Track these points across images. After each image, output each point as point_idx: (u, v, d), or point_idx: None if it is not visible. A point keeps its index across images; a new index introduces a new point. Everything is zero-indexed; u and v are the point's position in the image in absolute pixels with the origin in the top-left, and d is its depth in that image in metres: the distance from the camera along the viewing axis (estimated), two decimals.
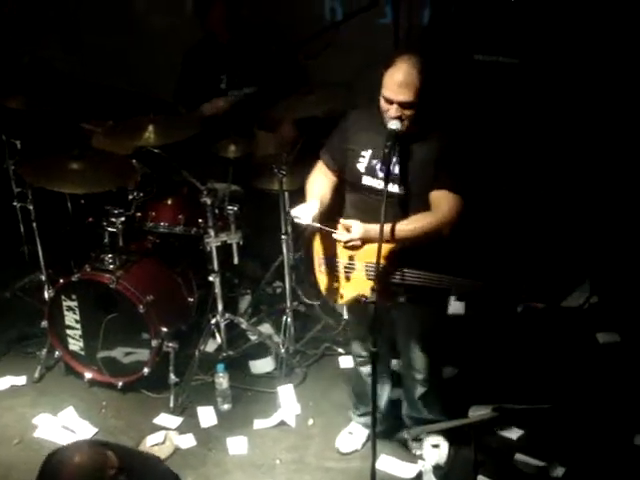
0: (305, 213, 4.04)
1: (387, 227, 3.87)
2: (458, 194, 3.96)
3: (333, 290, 4.30)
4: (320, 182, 4.27)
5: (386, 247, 3.94)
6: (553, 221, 5.72)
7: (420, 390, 4.54)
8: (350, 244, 3.98)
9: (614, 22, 5.29)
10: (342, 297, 4.23)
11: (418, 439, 4.72)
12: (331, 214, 4.15)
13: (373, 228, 3.85)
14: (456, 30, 5.63)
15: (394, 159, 3.96)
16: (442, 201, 3.96)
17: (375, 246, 3.78)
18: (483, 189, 4.33)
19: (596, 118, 5.49)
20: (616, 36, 5.31)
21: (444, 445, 4.69)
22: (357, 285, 4.12)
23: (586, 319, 5.58)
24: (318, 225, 4.07)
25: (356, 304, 4.22)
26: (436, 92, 3.93)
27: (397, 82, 3.84)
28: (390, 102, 3.89)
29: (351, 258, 4.13)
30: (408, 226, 3.96)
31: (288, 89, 5.39)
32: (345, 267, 4.20)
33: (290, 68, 5.79)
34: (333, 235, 4.03)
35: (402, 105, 3.87)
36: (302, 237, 5.56)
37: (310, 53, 5.66)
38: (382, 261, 3.92)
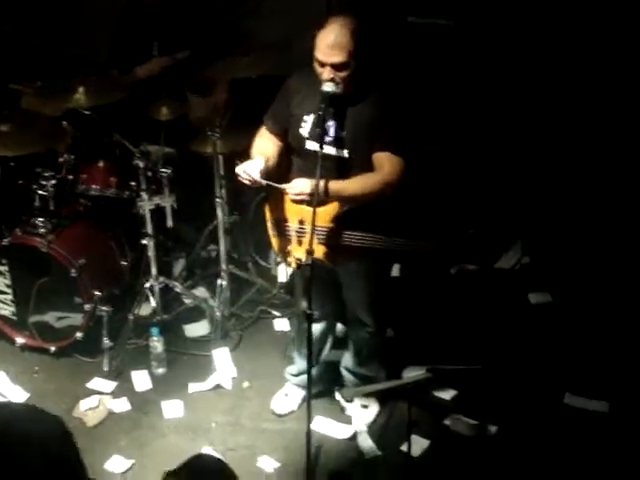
0: (251, 169, 4.01)
1: (336, 184, 3.93)
2: (400, 155, 3.98)
3: (286, 253, 4.30)
4: (264, 143, 4.25)
5: (331, 210, 4.02)
6: (486, 181, 5.76)
7: (363, 344, 4.58)
8: (299, 198, 3.96)
9: None
10: (295, 260, 4.22)
11: (351, 400, 4.75)
12: (278, 178, 4.13)
13: (320, 183, 3.86)
14: None
15: (332, 122, 3.97)
16: (385, 162, 3.98)
17: (324, 209, 3.89)
18: (420, 148, 4.35)
19: (523, 77, 5.55)
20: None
21: (374, 406, 4.75)
22: (306, 247, 4.11)
23: (518, 280, 5.66)
24: (265, 182, 4.04)
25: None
26: (371, 53, 3.92)
27: (328, 44, 3.83)
28: (323, 64, 3.88)
29: (301, 222, 4.13)
30: (352, 185, 3.98)
31: (222, 51, 5.33)
32: (296, 231, 4.20)
33: (224, 29, 5.72)
34: (284, 188, 4.01)
35: (335, 67, 3.86)
36: (241, 201, 5.56)
37: (243, 14, 5.59)
38: (328, 224, 4.03)
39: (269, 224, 4.37)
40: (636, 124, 5.54)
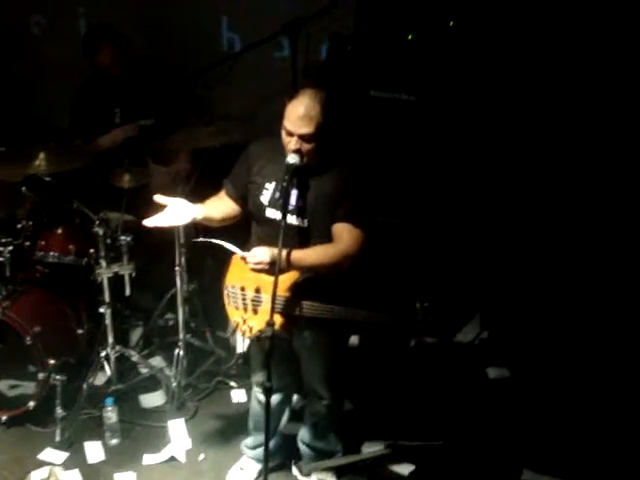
0: (180, 207, 4.00)
1: (295, 254, 3.92)
2: (360, 227, 3.99)
3: (242, 322, 4.25)
4: (213, 200, 4.26)
5: (288, 279, 4.00)
6: (445, 254, 5.80)
7: (320, 417, 4.53)
8: (259, 267, 3.93)
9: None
10: (251, 330, 4.18)
11: (308, 474, 4.70)
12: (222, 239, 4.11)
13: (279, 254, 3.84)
14: (353, 66, 5.69)
15: (295, 192, 3.98)
16: (344, 234, 3.98)
17: (281, 278, 3.85)
18: (380, 220, 4.38)
19: (484, 156, 5.63)
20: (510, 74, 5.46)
21: None
22: (264, 318, 4.07)
23: (477, 354, 5.66)
24: (215, 240, 4.01)
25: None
26: (336, 126, 3.95)
27: (299, 115, 3.85)
28: (291, 134, 3.90)
29: (257, 290, 4.10)
30: (312, 255, 3.97)
31: (184, 120, 5.35)
32: (252, 300, 4.17)
33: (186, 99, 5.75)
34: (244, 256, 3.98)
35: (302, 138, 3.88)
36: (199, 268, 5.54)
37: (207, 84, 5.62)
38: (286, 293, 4.01)
39: (224, 292, 4.33)
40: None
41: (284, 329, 4.09)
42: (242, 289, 4.20)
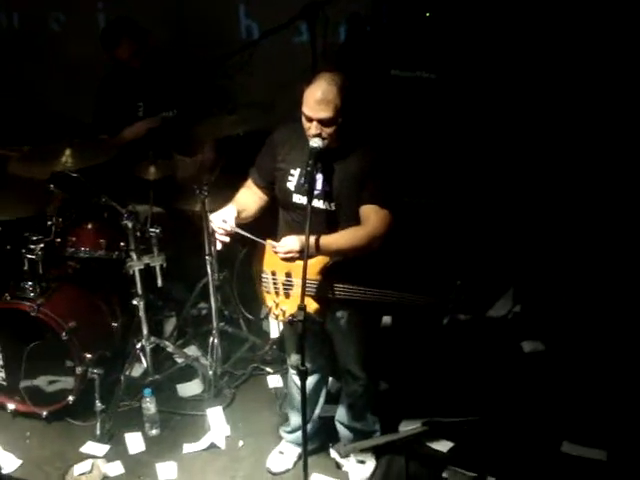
0: (224, 217, 4.02)
1: (323, 239, 3.94)
2: (387, 208, 4.00)
3: (274, 307, 4.28)
4: (244, 195, 4.28)
5: (319, 262, 4.03)
6: (475, 231, 5.77)
7: (357, 398, 4.55)
8: (289, 256, 3.95)
9: (528, 36, 5.40)
10: (283, 314, 4.21)
11: (347, 456, 4.71)
12: (258, 231, 4.12)
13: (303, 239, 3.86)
14: (372, 46, 5.67)
15: (320, 176, 4.00)
16: (371, 215, 3.99)
17: (312, 262, 3.91)
18: (407, 200, 4.37)
19: (511, 129, 5.58)
20: (530, 52, 5.41)
21: (370, 462, 4.71)
22: (296, 301, 4.09)
23: (510, 328, 5.65)
24: (246, 234, 4.03)
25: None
26: (356, 108, 3.95)
27: (316, 99, 3.86)
28: (310, 119, 3.91)
29: (288, 275, 4.12)
30: (340, 239, 3.99)
31: (206, 111, 5.36)
32: (284, 284, 4.19)
33: (208, 89, 5.76)
34: (273, 247, 4.00)
35: (322, 122, 3.89)
36: (230, 257, 5.56)
37: (227, 73, 5.63)
38: (317, 277, 4.04)
39: (256, 278, 4.36)
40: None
41: (317, 312, 4.13)
42: (273, 274, 4.22)
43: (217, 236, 4.06)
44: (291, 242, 3.93)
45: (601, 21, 5.34)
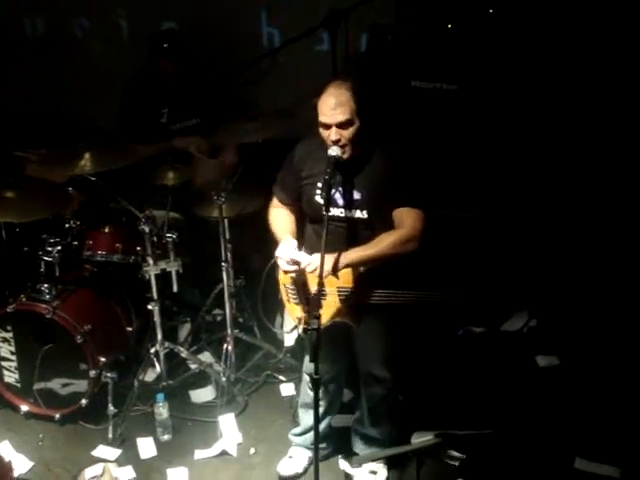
0: (292, 254, 4.08)
1: (353, 253, 3.99)
2: (419, 208, 4.03)
3: (302, 318, 4.30)
4: (284, 217, 4.33)
5: (353, 269, 4.08)
6: (493, 244, 5.75)
7: (377, 402, 4.53)
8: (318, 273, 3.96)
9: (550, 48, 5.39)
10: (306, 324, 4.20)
11: (359, 465, 4.70)
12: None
13: (338, 256, 3.96)
14: (394, 56, 5.67)
15: (345, 185, 4.06)
16: (404, 218, 4.03)
17: (347, 270, 3.99)
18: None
19: (531, 144, 5.56)
20: (552, 63, 5.40)
21: (382, 472, 4.69)
22: (332, 309, 4.13)
23: (525, 342, 5.63)
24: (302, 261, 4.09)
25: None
26: (374, 113, 3.98)
27: (330, 105, 3.91)
28: (328, 127, 3.94)
29: (321, 284, 4.11)
30: (370, 250, 4.01)
31: (227, 118, 5.38)
32: (314, 295, 4.18)
33: (229, 97, 5.78)
34: (302, 266, 4.05)
35: (339, 126, 3.92)
36: (249, 267, 5.57)
37: (249, 80, 5.64)
38: (351, 284, 4.10)
39: (283, 289, 4.37)
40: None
41: (352, 319, 4.17)
42: (303, 285, 4.23)
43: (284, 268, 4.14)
44: (318, 260, 3.92)
45: (620, 33, 5.32)
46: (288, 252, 4.09)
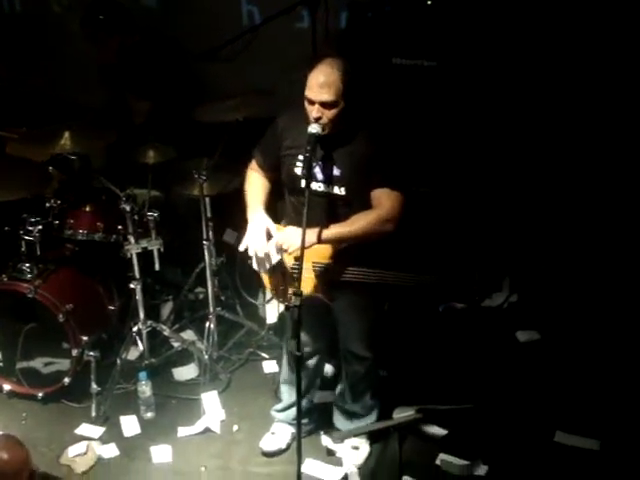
0: (262, 243, 4.14)
1: (330, 229, 4.02)
2: (397, 190, 4.04)
3: (281, 291, 4.34)
4: (258, 182, 4.35)
5: (330, 246, 4.09)
6: (473, 220, 5.77)
7: (358, 379, 4.56)
8: (291, 250, 4.02)
9: (528, 23, 5.39)
10: (291, 298, 4.22)
11: (341, 441, 4.73)
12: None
13: (313, 231, 3.96)
14: (374, 34, 5.66)
15: (326, 161, 4.07)
16: (382, 199, 4.04)
17: (323, 245, 4.03)
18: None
19: (508, 117, 5.57)
20: (531, 38, 5.40)
21: (364, 447, 4.72)
22: (306, 284, 4.11)
23: (506, 318, 5.66)
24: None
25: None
26: (359, 94, 3.98)
27: (318, 82, 3.91)
28: (312, 102, 3.95)
29: (296, 259, 4.09)
30: (349, 227, 4.05)
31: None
32: (292, 268, 4.22)
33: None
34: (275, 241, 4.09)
35: (323, 105, 3.93)
36: (226, 240, 5.58)
37: (228, 57, 5.63)
38: (327, 260, 4.12)
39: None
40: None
41: (325, 295, 4.18)
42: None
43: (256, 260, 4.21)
44: (293, 237, 3.97)
45: (601, 13, 5.33)
46: (260, 243, 4.13)
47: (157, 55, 5.71)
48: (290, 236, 4.02)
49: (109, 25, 5.54)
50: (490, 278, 4.88)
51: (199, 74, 5.94)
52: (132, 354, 5.33)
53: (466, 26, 5.41)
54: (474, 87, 5.49)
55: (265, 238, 4.16)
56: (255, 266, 4.27)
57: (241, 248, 4.20)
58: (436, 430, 4.79)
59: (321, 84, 3.90)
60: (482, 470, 4.60)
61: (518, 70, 5.46)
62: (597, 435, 4.75)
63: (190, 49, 5.79)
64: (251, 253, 4.18)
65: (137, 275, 5.10)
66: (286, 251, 4.08)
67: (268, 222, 4.21)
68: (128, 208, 4.92)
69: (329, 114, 3.94)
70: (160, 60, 5.70)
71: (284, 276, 4.27)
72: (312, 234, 3.96)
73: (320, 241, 4.02)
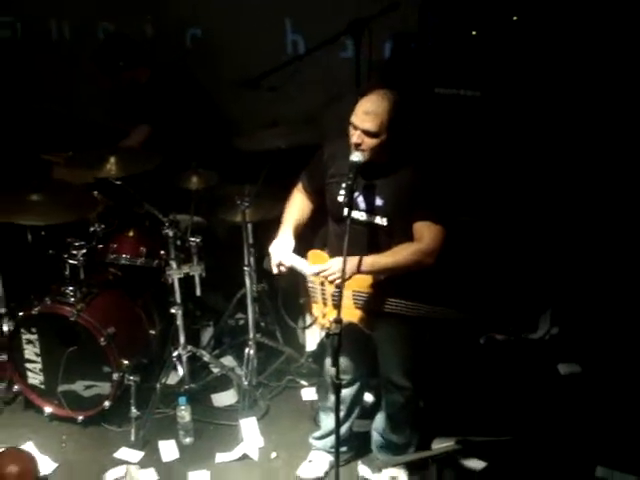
0: (282, 255, 4.16)
1: (370, 259, 4.01)
2: (439, 224, 4.04)
3: (321, 317, 4.35)
4: (299, 203, 4.40)
5: (370, 276, 4.10)
6: (516, 252, 5.74)
7: (398, 409, 4.53)
8: (334, 277, 4.00)
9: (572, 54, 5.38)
10: (330, 325, 4.20)
11: (379, 470, 4.70)
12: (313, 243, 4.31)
13: (353, 261, 3.96)
14: (417, 64, 5.67)
15: (368, 190, 4.08)
16: (424, 232, 4.04)
17: (363, 275, 4.02)
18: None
19: (555, 149, 5.55)
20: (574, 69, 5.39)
21: (402, 477, 4.66)
22: (345, 313, 4.08)
23: (547, 350, 5.61)
24: (297, 266, 4.16)
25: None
26: (404, 127, 3.99)
27: (365, 110, 3.93)
28: (355, 128, 3.97)
29: (338, 286, 4.11)
30: (387, 259, 4.04)
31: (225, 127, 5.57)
32: (332, 295, 4.23)
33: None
34: (319, 270, 4.09)
35: (366, 133, 3.94)
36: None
37: (272, 86, 5.67)
38: (368, 290, 4.11)
39: (303, 288, 4.41)
40: None
41: (365, 324, 4.18)
42: (321, 284, 4.27)
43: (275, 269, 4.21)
44: (336, 266, 3.97)
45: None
46: (281, 254, 4.16)
47: (169, 88, 5.80)
48: (334, 266, 4.02)
49: (120, 62, 5.70)
50: (530, 312, 4.87)
51: (244, 102, 5.98)
52: (172, 379, 5.36)
53: (510, 56, 5.41)
54: (517, 116, 5.48)
55: (285, 249, 4.19)
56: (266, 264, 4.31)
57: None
58: (475, 463, 4.75)
59: (367, 112, 3.91)
60: None
61: (559, 99, 5.44)
62: (639, 471, 4.68)
63: (235, 78, 5.84)
64: (272, 260, 4.21)
65: (178, 300, 5.12)
66: (331, 282, 4.07)
67: (289, 243, 4.23)
68: (171, 233, 4.96)
69: (369, 142, 3.95)
70: (173, 92, 5.78)
71: (325, 302, 4.28)
72: (353, 263, 3.97)
73: (360, 271, 4.02)
